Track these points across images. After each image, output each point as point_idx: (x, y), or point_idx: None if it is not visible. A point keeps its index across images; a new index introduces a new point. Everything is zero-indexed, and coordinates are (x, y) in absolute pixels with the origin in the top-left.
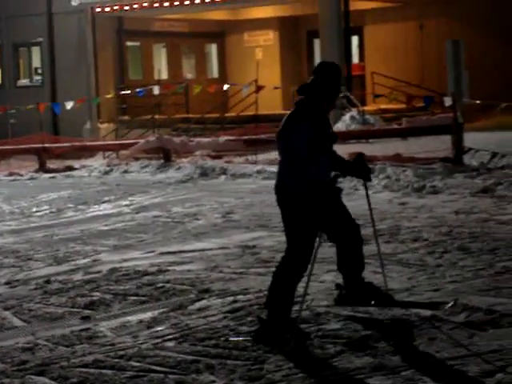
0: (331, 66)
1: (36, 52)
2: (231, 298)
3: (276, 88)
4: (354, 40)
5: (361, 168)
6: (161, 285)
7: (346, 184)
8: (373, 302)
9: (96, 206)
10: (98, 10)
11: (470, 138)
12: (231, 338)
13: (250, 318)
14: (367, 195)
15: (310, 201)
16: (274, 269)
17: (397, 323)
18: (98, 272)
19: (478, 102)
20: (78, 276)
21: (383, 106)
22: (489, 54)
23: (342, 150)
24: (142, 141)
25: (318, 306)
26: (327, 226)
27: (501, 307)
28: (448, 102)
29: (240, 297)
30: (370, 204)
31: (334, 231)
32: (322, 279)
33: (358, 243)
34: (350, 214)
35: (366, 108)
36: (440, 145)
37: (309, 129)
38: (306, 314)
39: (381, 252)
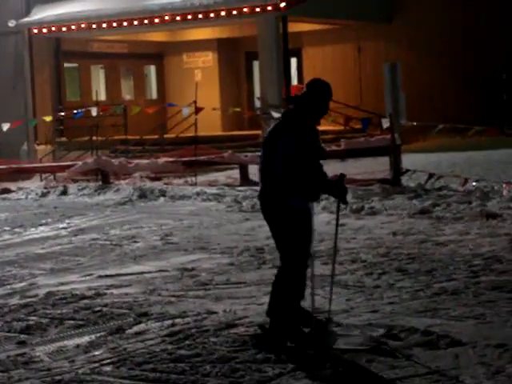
0: (323, 84)
1: None
2: (169, 322)
3: (215, 109)
4: (293, 62)
5: (339, 189)
6: (98, 308)
7: None
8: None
9: (33, 229)
10: (35, 31)
11: (408, 160)
12: None
13: (188, 342)
14: (337, 217)
15: (289, 213)
16: (214, 291)
17: (335, 346)
18: (35, 296)
19: (415, 123)
20: (15, 300)
21: (322, 128)
22: (425, 76)
23: None
24: (79, 163)
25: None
26: (283, 241)
27: (438, 328)
28: (386, 123)
29: (178, 320)
30: (337, 225)
31: (285, 249)
32: (261, 301)
33: (303, 270)
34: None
35: None
36: (378, 166)
37: (290, 144)
38: (248, 336)
39: (334, 274)
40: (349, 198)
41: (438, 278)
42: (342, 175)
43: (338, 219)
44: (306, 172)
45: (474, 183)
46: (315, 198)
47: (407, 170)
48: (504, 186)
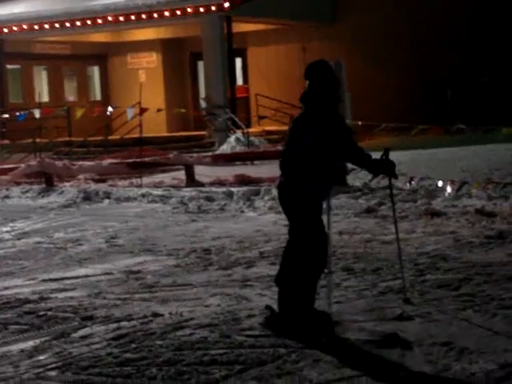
0: (319, 64)
1: None
2: (115, 325)
3: (159, 110)
4: (238, 62)
5: (387, 164)
6: (43, 313)
7: (233, 205)
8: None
9: None
10: None
11: None
12: None
13: (134, 345)
14: (391, 193)
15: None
16: (160, 293)
17: (282, 345)
18: None
19: (360, 123)
20: None
21: (268, 128)
22: (370, 75)
23: (227, 171)
24: (22, 165)
25: (205, 331)
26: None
27: (384, 327)
28: None
29: (124, 323)
30: (393, 202)
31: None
32: (208, 303)
33: (321, 269)
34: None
35: (250, 130)
36: None
37: (316, 132)
38: (195, 338)
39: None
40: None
41: (384, 277)
42: (387, 150)
43: (392, 195)
44: (348, 152)
45: (413, 181)
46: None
47: (353, 169)
48: (448, 184)
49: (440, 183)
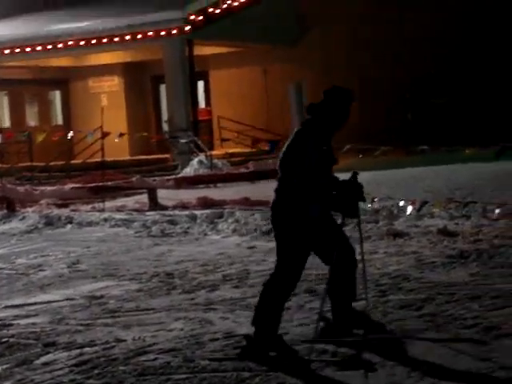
0: (343, 91)
1: None
2: (78, 351)
3: (122, 135)
4: (200, 85)
5: (354, 188)
6: (5, 339)
7: (196, 229)
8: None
9: None
10: None
11: None
12: None
13: (97, 371)
14: (359, 215)
15: (306, 222)
16: (122, 318)
17: (246, 369)
18: None
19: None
20: None
21: (230, 150)
22: None
23: (191, 194)
24: None
25: (168, 355)
26: (323, 249)
27: (347, 349)
28: None
29: (87, 349)
30: (359, 224)
31: (330, 254)
32: (171, 327)
33: (353, 268)
34: (347, 238)
35: (213, 152)
36: None
37: (313, 148)
38: (158, 363)
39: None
40: (259, 220)
41: None
42: (355, 173)
43: (359, 221)
44: (325, 179)
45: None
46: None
47: None
48: (409, 204)
49: (402, 203)
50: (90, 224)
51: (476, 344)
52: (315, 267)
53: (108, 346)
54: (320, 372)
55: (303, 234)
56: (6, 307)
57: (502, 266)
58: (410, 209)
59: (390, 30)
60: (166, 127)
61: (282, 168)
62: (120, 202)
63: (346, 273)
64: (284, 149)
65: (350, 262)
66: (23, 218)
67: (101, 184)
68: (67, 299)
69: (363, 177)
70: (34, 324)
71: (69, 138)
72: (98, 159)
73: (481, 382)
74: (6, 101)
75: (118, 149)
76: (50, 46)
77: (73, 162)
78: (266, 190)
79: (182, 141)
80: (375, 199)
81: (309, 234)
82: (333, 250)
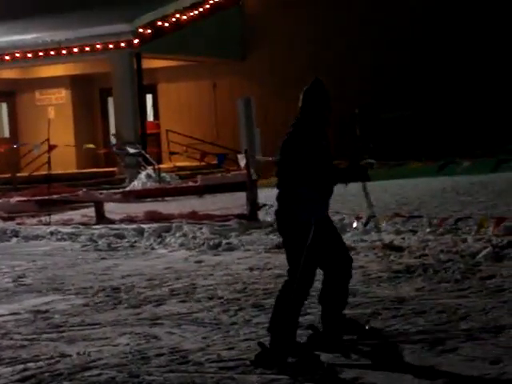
0: (312, 82)
1: None
2: (22, 366)
3: (67, 146)
4: (149, 98)
5: (357, 169)
6: None
7: (143, 242)
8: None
9: None
10: None
11: (265, 194)
12: None
13: None
14: (367, 195)
15: (308, 228)
16: (67, 333)
17: None
18: None
19: (270, 158)
20: None
21: (179, 164)
22: (280, 112)
23: (138, 207)
24: None
25: (113, 371)
26: (320, 255)
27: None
28: (241, 159)
29: (31, 364)
30: (370, 202)
31: (326, 260)
32: (117, 342)
33: (347, 277)
34: (346, 246)
35: (161, 166)
36: (235, 201)
37: (304, 152)
38: (103, 379)
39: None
40: (207, 233)
41: None
42: (355, 155)
43: (368, 197)
44: (327, 172)
45: None
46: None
47: (264, 205)
48: (355, 219)
49: (348, 218)
50: (35, 238)
51: (420, 359)
52: (262, 281)
53: (52, 361)
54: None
55: (307, 239)
56: None
57: (448, 280)
58: (355, 224)
59: (340, 45)
60: (113, 140)
61: (282, 173)
62: (66, 215)
63: (342, 281)
64: (282, 155)
65: (346, 271)
66: None
67: (47, 197)
68: (12, 314)
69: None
70: None
71: (14, 146)
72: (45, 172)
73: None
74: None
75: (65, 162)
76: None
77: (19, 174)
78: (215, 203)
79: (131, 152)
80: None
81: (312, 239)
82: (330, 257)
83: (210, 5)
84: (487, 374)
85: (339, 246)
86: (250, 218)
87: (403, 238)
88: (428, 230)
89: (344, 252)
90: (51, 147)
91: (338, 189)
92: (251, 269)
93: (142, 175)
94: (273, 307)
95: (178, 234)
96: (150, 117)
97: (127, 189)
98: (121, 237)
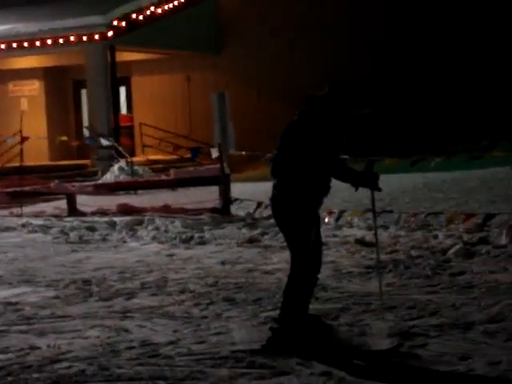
0: (347, 85)
1: None
2: None
3: (39, 138)
4: (122, 91)
5: (369, 177)
6: None
7: (115, 235)
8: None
9: None
10: None
11: (238, 189)
12: None
13: (10, 378)
14: (373, 206)
15: (304, 213)
16: (38, 326)
17: (161, 377)
18: None
19: (243, 153)
20: None
21: (152, 157)
22: (254, 106)
23: (110, 200)
24: None
25: (83, 363)
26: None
27: (263, 358)
28: (214, 153)
29: (0, 356)
30: (375, 217)
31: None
32: (87, 335)
33: (316, 274)
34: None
35: (134, 159)
36: (208, 195)
37: (307, 143)
38: (73, 371)
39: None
40: (179, 227)
41: (265, 307)
42: (371, 161)
43: (374, 210)
44: (334, 166)
45: None
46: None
47: (236, 199)
48: (328, 214)
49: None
50: (7, 229)
51: (390, 354)
52: (233, 276)
53: (22, 353)
54: (235, 380)
55: (302, 223)
56: None
57: (418, 276)
58: (326, 219)
59: (315, 41)
60: (86, 132)
61: (279, 160)
62: (38, 207)
63: (310, 277)
64: (283, 144)
65: (316, 269)
66: None
67: (19, 189)
68: None
69: None
70: None
71: None
72: (17, 164)
73: None
74: None
75: (38, 154)
76: None
77: None
78: (187, 197)
79: (104, 144)
80: None
81: (306, 223)
82: (302, 250)
83: None
84: (456, 370)
85: (317, 244)
86: (222, 212)
87: (374, 234)
88: (399, 226)
89: (319, 250)
90: (24, 139)
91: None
92: (223, 263)
93: (115, 168)
94: (282, 296)
95: (150, 228)
96: (124, 109)
97: (99, 181)
98: (92, 229)
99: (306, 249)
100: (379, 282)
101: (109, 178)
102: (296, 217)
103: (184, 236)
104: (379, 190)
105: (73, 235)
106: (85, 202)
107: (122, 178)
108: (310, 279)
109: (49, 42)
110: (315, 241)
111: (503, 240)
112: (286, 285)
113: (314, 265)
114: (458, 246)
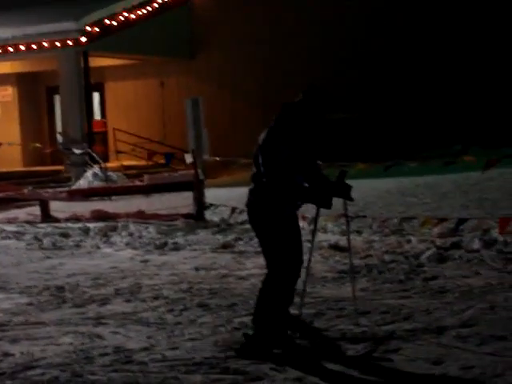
0: (321, 90)
1: None
2: None
3: (10, 144)
4: (96, 96)
5: (341, 188)
6: None
7: (89, 242)
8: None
9: None
10: None
11: (212, 194)
12: None
13: None
14: (347, 217)
15: (280, 219)
16: (11, 332)
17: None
18: None
19: (218, 158)
20: None
21: (126, 163)
22: (228, 111)
23: (84, 206)
24: None
25: (56, 370)
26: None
27: (236, 363)
28: (189, 158)
29: None
30: (348, 224)
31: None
32: (60, 342)
33: (296, 278)
34: (302, 249)
35: (108, 165)
36: (182, 201)
37: (282, 150)
38: (46, 378)
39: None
40: (153, 233)
41: (239, 313)
42: (342, 172)
43: (347, 219)
44: (304, 176)
45: None
46: (302, 202)
47: (211, 205)
48: (302, 219)
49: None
50: None
51: (364, 359)
52: (207, 281)
53: None
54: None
55: (279, 229)
56: None
57: (392, 281)
58: (302, 224)
59: (289, 46)
60: (60, 138)
61: (256, 166)
62: (11, 213)
63: (289, 280)
64: (257, 147)
65: (296, 272)
66: None
67: None
68: None
69: None
70: None
71: None
72: None
73: None
74: None
75: (11, 160)
76: None
77: None
78: (162, 203)
79: (77, 152)
80: None
81: (283, 229)
82: (279, 255)
83: (159, 4)
84: (430, 374)
85: (297, 246)
86: (196, 218)
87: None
88: (373, 230)
89: (300, 253)
90: None
91: None
92: (197, 268)
93: (89, 174)
94: (256, 299)
95: (124, 234)
96: (97, 115)
97: (73, 187)
98: (66, 236)
99: (282, 254)
100: (352, 287)
101: (82, 184)
102: (272, 222)
103: (158, 242)
104: (351, 199)
105: (46, 241)
106: (58, 208)
107: (96, 184)
108: (288, 283)
109: (22, 47)
110: (294, 244)
111: (476, 244)
112: (260, 290)
113: (294, 268)
114: (431, 251)
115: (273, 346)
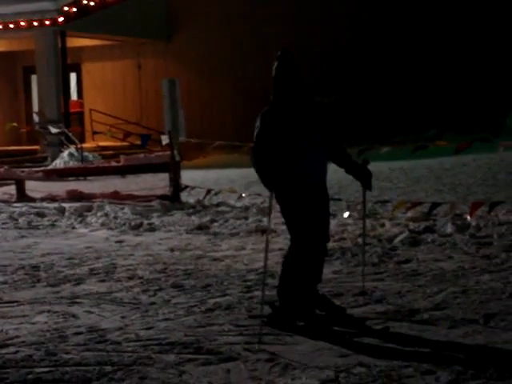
0: (278, 56)
1: None
2: None
3: None
4: (73, 77)
5: (364, 173)
6: None
7: (64, 221)
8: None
9: None
10: None
11: (188, 176)
12: None
13: None
14: (364, 202)
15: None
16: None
17: (108, 363)
18: None
19: (193, 140)
20: None
21: (102, 144)
22: (205, 93)
23: (60, 186)
24: None
25: (30, 349)
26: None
27: (209, 344)
28: (165, 140)
29: None
30: (365, 210)
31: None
32: (35, 320)
33: (324, 254)
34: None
35: (84, 145)
36: (158, 182)
37: (260, 122)
38: (20, 356)
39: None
40: (128, 214)
41: (213, 294)
42: (365, 160)
43: (365, 204)
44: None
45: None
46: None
47: (186, 187)
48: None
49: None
50: None
51: (336, 341)
52: (182, 262)
53: None
54: (181, 366)
55: (289, 201)
56: None
57: (365, 264)
58: (278, 206)
59: (267, 28)
60: (36, 118)
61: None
62: None
63: (308, 254)
64: (261, 134)
65: (315, 247)
66: None
67: None
68: None
69: (232, 173)
70: None
71: None
72: None
73: (340, 379)
74: None
75: None
76: None
77: None
78: (137, 184)
79: (53, 131)
80: (243, 195)
81: (293, 202)
82: (294, 226)
83: None
84: (400, 357)
85: (312, 220)
86: (172, 199)
87: None
88: (347, 214)
89: (316, 227)
90: None
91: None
92: (172, 249)
93: (65, 154)
94: (280, 272)
95: (99, 214)
96: (74, 96)
97: (49, 167)
98: (41, 215)
99: (295, 227)
100: (363, 276)
101: (58, 163)
102: (282, 194)
103: (133, 223)
104: (370, 188)
105: (21, 221)
106: (34, 187)
107: (72, 164)
108: (306, 258)
109: None
110: (306, 218)
111: (448, 229)
112: (282, 262)
113: (311, 242)
114: (404, 235)
115: (296, 319)
